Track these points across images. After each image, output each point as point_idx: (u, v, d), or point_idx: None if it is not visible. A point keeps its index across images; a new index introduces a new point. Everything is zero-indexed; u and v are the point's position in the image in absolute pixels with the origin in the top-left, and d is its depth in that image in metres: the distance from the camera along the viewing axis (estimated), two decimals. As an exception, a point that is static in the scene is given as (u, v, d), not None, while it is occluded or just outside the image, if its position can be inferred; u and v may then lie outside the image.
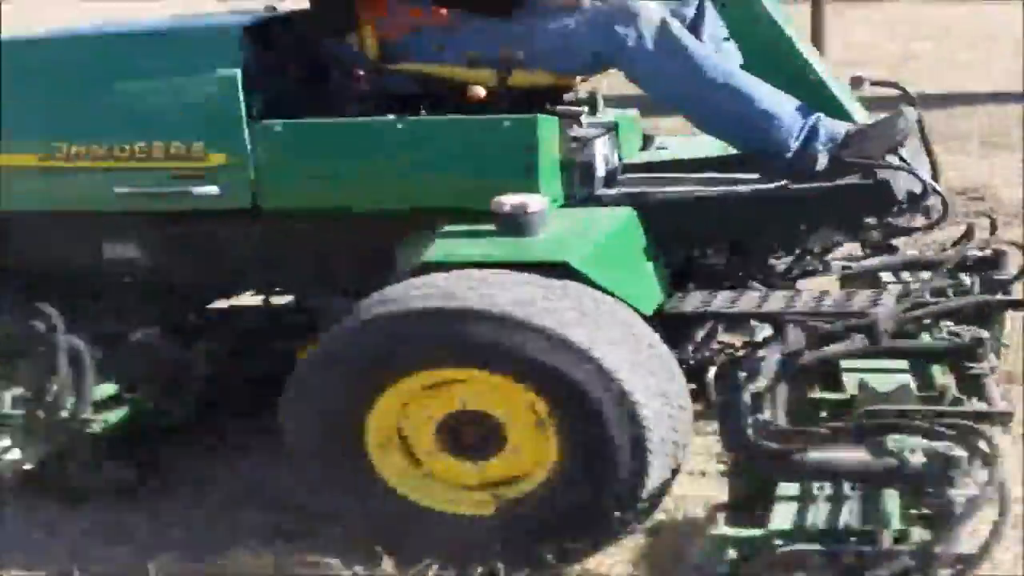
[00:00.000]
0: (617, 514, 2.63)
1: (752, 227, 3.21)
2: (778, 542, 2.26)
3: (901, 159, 3.14)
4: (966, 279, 3.11)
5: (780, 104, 3.18)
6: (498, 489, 2.72)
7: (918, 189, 3.09)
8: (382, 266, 3.10)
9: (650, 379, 2.61)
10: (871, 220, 3.17)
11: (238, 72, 3.09)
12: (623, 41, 3.15)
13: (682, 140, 3.98)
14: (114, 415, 3.04)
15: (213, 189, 3.08)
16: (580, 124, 3.13)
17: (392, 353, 2.64)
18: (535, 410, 2.65)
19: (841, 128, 3.19)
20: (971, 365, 2.72)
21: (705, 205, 3.15)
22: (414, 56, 3.32)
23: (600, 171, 3.24)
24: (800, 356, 2.68)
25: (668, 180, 3.35)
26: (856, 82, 3.31)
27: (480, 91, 3.19)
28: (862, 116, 3.32)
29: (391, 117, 3.09)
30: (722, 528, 2.34)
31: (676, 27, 3.20)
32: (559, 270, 2.70)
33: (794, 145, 3.14)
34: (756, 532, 2.32)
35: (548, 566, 2.65)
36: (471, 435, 2.71)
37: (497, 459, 2.71)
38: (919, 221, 3.18)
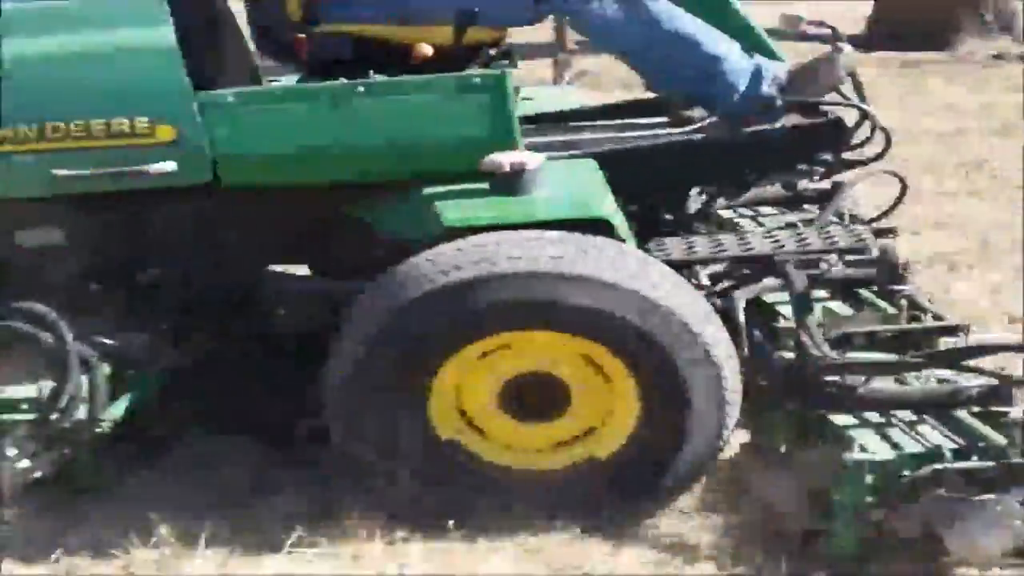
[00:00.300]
0: (697, 463, 2.64)
1: (704, 173, 3.30)
2: (914, 464, 2.31)
3: (842, 95, 3.31)
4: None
5: (728, 48, 3.20)
6: (568, 448, 2.69)
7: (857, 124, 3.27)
8: (336, 237, 3.02)
9: (712, 325, 2.62)
10: (827, 156, 3.26)
11: (173, 38, 2.88)
12: None
13: (546, 90, 3.98)
14: (117, 413, 2.81)
15: (171, 165, 2.88)
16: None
17: (467, 320, 2.55)
18: (607, 368, 2.63)
19: (782, 69, 3.23)
20: None
21: (659, 153, 3.20)
22: (341, 17, 3.16)
23: None
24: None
25: (591, 129, 3.37)
26: (791, 21, 3.44)
27: (427, 50, 3.10)
28: (786, 57, 3.46)
29: (357, 80, 2.91)
30: (857, 453, 2.36)
31: None
32: (583, 226, 2.67)
33: (741, 88, 3.17)
34: (891, 455, 2.36)
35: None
36: (535, 398, 2.66)
37: (563, 420, 2.68)
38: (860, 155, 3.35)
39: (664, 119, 3.40)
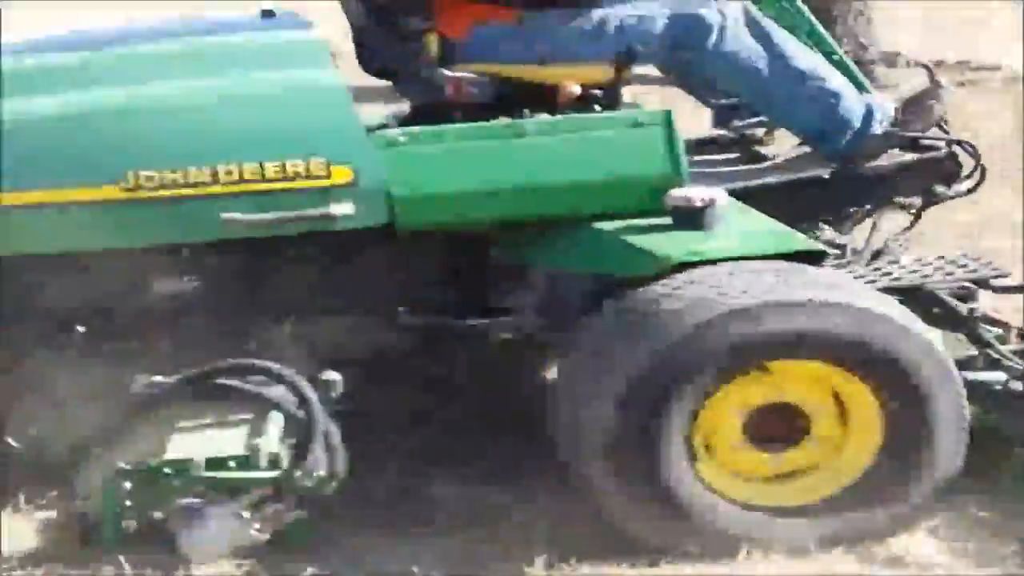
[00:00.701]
0: (939, 486, 2.65)
1: (820, 208, 3.37)
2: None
3: (943, 130, 3.45)
4: None
5: (844, 85, 3.25)
6: (801, 478, 2.70)
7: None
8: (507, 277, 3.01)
9: (942, 346, 2.67)
10: (941, 189, 3.33)
11: (343, 79, 2.84)
12: (708, 26, 3.10)
13: None
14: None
15: (348, 207, 2.81)
16: None
17: (735, 352, 2.53)
18: (847, 395, 2.65)
19: (890, 107, 3.31)
20: None
21: (788, 190, 3.28)
22: (479, 56, 3.09)
23: None
24: None
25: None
26: (891, 58, 3.57)
27: (576, 89, 3.10)
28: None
29: (525, 119, 2.92)
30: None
31: (756, 11, 3.21)
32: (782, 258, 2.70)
33: (856, 126, 3.22)
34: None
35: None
36: (774, 427, 2.66)
37: (799, 449, 2.69)
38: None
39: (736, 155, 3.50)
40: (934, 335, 2.70)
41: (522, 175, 2.87)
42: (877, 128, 3.26)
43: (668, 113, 2.96)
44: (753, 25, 3.20)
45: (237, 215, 2.76)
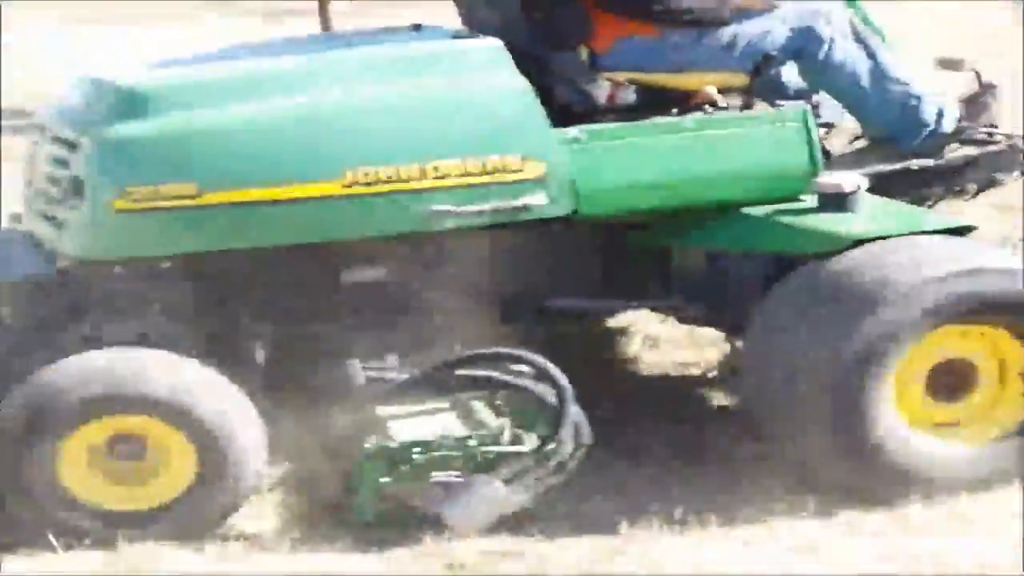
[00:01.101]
0: None
1: (910, 194, 3.79)
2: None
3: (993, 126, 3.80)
4: None
5: (923, 88, 3.66)
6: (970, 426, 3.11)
7: None
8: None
9: None
10: (1006, 177, 3.78)
11: (526, 80, 3.17)
12: (821, 38, 3.49)
13: None
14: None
15: (541, 198, 3.14)
16: None
17: (937, 311, 2.95)
18: (1007, 353, 3.09)
19: (955, 106, 3.74)
20: None
21: (885, 179, 3.68)
22: (622, 65, 3.46)
23: None
24: None
25: None
26: (953, 64, 4.02)
27: (714, 92, 3.44)
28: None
29: (687, 116, 3.31)
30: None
31: (860, 24, 3.61)
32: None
33: (931, 126, 3.63)
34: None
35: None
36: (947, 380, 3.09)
37: (972, 398, 3.11)
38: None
39: None
40: None
41: (687, 166, 3.28)
42: (948, 127, 3.70)
43: (805, 110, 3.37)
44: (856, 34, 3.61)
45: (447, 207, 3.07)
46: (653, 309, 3.69)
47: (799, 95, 3.69)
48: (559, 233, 3.30)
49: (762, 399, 3.14)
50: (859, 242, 3.06)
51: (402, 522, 2.89)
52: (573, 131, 3.21)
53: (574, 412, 2.93)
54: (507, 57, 3.21)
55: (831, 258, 3.05)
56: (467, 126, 3.12)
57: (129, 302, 3.11)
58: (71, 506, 2.90)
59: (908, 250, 3.04)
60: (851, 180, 3.22)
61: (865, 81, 3.61)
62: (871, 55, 3.62)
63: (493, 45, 3.25)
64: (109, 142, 3.01)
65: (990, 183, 3.81)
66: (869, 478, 3.03)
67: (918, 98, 3.65)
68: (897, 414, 3.02)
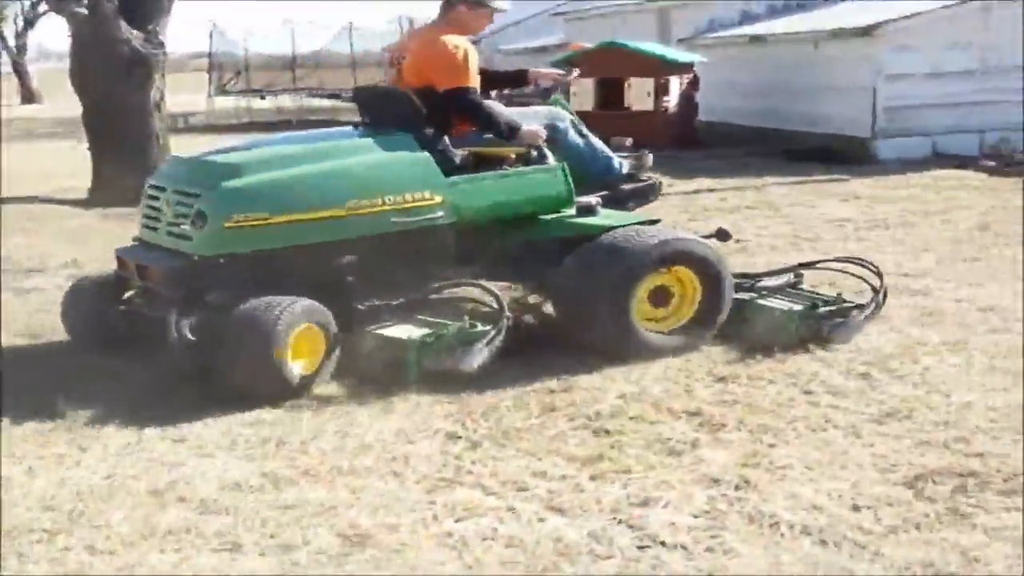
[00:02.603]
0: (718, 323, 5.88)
1: (613, 206, 6.28)
2: None
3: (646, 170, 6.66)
4: None
5: (608, 151, 6.44)
6: (667, 320, 5.84)
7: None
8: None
9: None
10: (652, 199, 6.53)
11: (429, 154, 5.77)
12: (560, 129, 6.21)
13: None
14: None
15: (440, 213, 5.71)
16: None
17: (653, 262, 5.65)
18: (687, 283, 5.77)
19: (627, 162, 6.50)
20: None
21: (610, 198, 6.34)
22: (469, 144, 5.92)
23: None
24: None
25: None
26: (622, 143, 6.74)
27: (512, 156, 5.98)
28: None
29: (509, 169, 5.98)
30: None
31: (575, 118, 6.43)
32: None
33: (617, 170, 6.42)
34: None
35: None
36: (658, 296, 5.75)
37: (669, 307, 5.84)
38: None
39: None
40: (714, 247, 5.84)
41: (513, 195, 5.88)
42: (624, 172, 6.50)
43: (564, 165, 5.95)
44: (573, 125, 6.36)
45: (397, 218, 5.53)
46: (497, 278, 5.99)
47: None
48: (453, 233, 5.73)
49: (568, 312, 5.73)
50: (608, 229, 5.75)
51: (430, 378, 5.17)
52: (453, 178, 5.70)
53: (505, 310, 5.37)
54: (415, 140, 5.69)
55: (596, 238, 5.70)
56: (403, 176, 5.59)
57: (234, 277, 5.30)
58: None
59: (633, 231, 5.73)
60: (593, 199, 6.04)
61: (584, 151, 6.35)
62: (583, 136, 6.39)
63: (411, 136, 5.69)
64: (221, 192, 5.29)
65: (645, 202, 6.51)
66: (624, 347, 5.51)
67: (609, 158, 6.45)
68: (637, 314, 5.60)
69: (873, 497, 3.93)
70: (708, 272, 5.68)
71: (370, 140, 5.71)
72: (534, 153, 5.92)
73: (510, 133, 5.82)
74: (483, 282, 5.55)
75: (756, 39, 17.25)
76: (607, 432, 4.59)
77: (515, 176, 5.83)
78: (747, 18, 18.96)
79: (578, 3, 23.39)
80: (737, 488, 4.02)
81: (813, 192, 11.55)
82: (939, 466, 4.16)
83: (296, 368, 5.04)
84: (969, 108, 14.54)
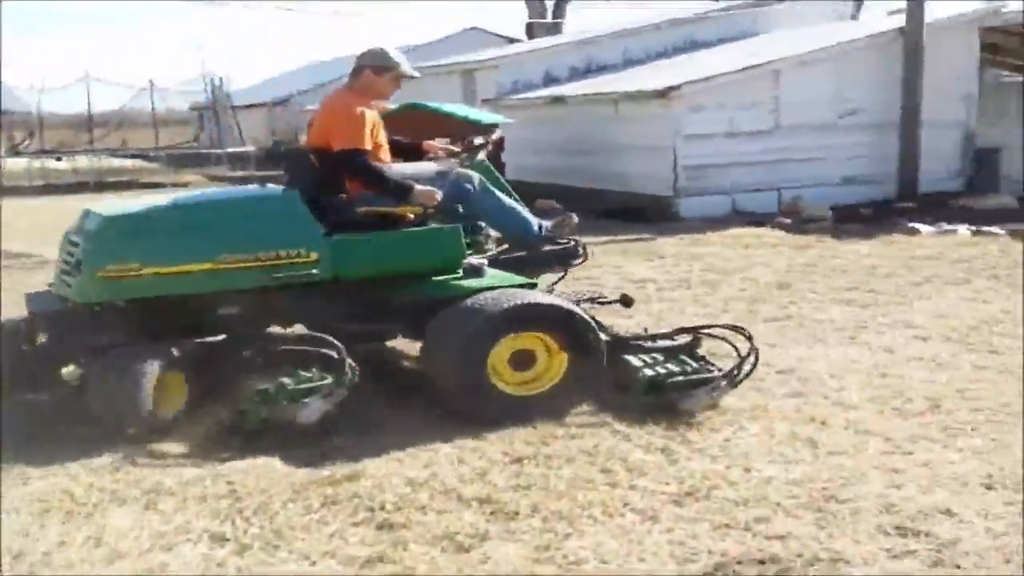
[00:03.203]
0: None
1: (529, 267, 6.42)
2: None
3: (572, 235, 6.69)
4: None
5: (527, 211, 6.54)
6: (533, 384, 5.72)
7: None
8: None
9: None
10: (576, 261, 6.61)
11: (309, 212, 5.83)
12: (467, 189, 6.24)
13: None
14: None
15: (318, 268, 5.75)
16: None
17: (506, 325, 5.56)
18: (549, 347, 5.69)
19: (548, 222, 6.55)
20: None
21: (512, 262, 6.52)
22: (363, 204, 5.97)
23: None
24: None
25: None
26: (548, 205, 6.97)
27: (411, 215, 6.01)
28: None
29: (403, 229, 6.03)
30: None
31: (485, 180, 6.37)
32: None
33: (535, 232, 6.50)
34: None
35: None
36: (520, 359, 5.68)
37: (532, 370, 5.73)
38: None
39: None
40: (574, 307, 5.76)
41: (405, 257, 5.89)
42: (544, 234, 6.56)
43: (457, 227, 5.96)
44: (483, 186, 6.32)
45: (277, 273, 5.64)
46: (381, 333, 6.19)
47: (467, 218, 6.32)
48: (334, 288, 5.79)
49: (430, 371, 5.74)
50: (473, 291, 5.71)
51: (273, 427, 5.23)
52: (336, 236, 5.74)
53: (348, 363, 5.35)
54: (300, 198, 5.76)
55: (468, 297, 5.66)
56: (278, 233, 5.65)
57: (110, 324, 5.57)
58: None
59: (502, 294, 5.69)
60: (478, 261, 6.04)
61: (498, 211, 6.44)
62: (497, 197, 6.42)
63: (296, 194, 5.79)
64: (96, 243, 5.48)
65: (568, 264, 6.65)
66: (480, 409, 5.45)
67: (525, 219, 6.52)
68: (495, 376, 5.54)
69: (671, 592, 3.65)
70: (572, 336, 5.60)
71: (253, 197, 6.06)
72: (432, 212, 6.00)
73: (401, 193, 5.89)
74: (325, 335, 5.47)
75: (558, 100, 17.38)
76: (391, 527, 4.22)
77: (402, 236, 5.88)
78: (550, 80, 19.16)
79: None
80: (526, 589, 3.68)
81: (620, 252, 11.52)
82: (739, 552, 3.94)
83: (160, 412, 5.29)
84: (766, 167, 14.93)
